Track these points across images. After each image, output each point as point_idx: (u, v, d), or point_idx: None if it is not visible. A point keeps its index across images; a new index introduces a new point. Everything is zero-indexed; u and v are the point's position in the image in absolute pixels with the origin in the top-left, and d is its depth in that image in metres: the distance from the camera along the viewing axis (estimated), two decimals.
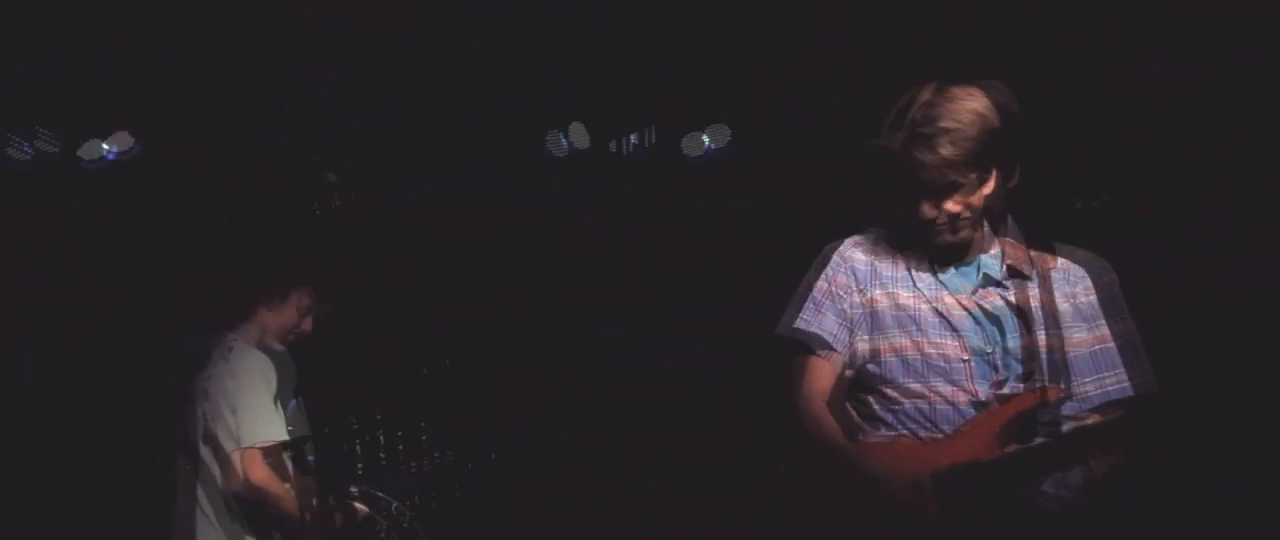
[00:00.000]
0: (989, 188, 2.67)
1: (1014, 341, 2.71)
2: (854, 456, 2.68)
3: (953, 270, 2.77)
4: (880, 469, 2.64)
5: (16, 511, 4.36)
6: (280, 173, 4.65)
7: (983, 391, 2.67)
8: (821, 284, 2.83)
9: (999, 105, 2.63)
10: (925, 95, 2.65)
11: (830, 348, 2.77)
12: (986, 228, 2.79)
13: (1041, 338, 2.70)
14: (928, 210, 2.67)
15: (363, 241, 4.73)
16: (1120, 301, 2.77)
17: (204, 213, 4.77)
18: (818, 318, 2.80)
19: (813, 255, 2.89)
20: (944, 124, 2.60)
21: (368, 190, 4.88)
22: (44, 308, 4.55)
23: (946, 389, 2.68)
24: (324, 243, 4.62)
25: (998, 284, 2.76)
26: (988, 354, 2.71)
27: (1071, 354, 2.70)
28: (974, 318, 2.72)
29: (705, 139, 5.12)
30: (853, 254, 2.84)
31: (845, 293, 2.80)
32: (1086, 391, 2.72)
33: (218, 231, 4.70)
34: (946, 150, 2.59)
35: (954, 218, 2.67)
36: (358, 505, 3.80)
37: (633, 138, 5.16)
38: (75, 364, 4.61)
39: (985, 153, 2.63)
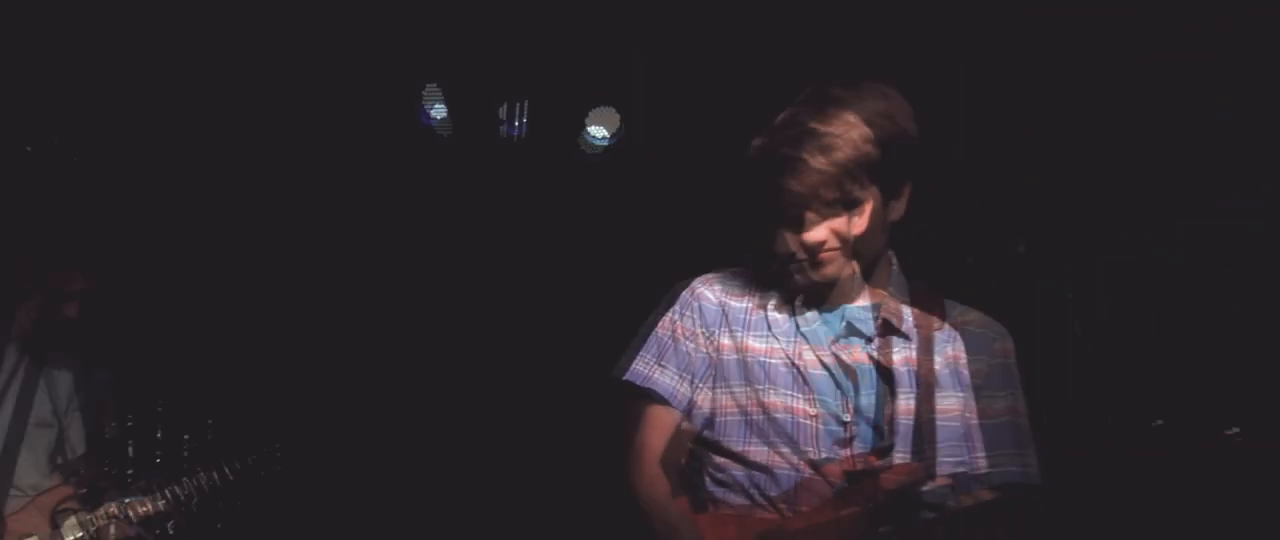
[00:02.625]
0: (863, 218, 2.22)
1: (868, 401, 2.28)
2: (688, 526, 2.25)
3: (815, 316, 2.35)
4: None
5: None
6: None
7: (826, 454, 2.24)
8: (666, 325, 2.41)
9: (885, 115, 2.18)
10: (826, 88, 2.21)
11: (665, 401, 2.35)
12: (858, 270, 2.34)
13: (905, 404, 2.27)
14: (788, 242, 2.25)
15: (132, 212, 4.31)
16: (1015, 375, 2.36)
17: None
18: (656, 365, 2.39)
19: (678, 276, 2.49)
20: (811, 141, 2.15)
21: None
22: None
23: (788, 451, 2.25)
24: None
25: (864, 337, 2.33)
26: (838, 415, 2.28)
27: (942, 424, 2.27)
28: (829, 372, 2.29)
29: (598, 128, 4.77)
30: (704, 293, 2.41)
31: (689, 337, 2.38)
32: (979, 467, 2.29)
33: None
34: (846, 154, 2.15)
35: (815, 250, 2.24)
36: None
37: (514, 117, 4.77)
38: None
39: (891, 167, 2.19)
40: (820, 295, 2.34)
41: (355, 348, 4.72)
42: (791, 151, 2.16)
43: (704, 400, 2.34)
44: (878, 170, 2.17)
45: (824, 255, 2.24)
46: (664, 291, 2.46)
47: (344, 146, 4.70)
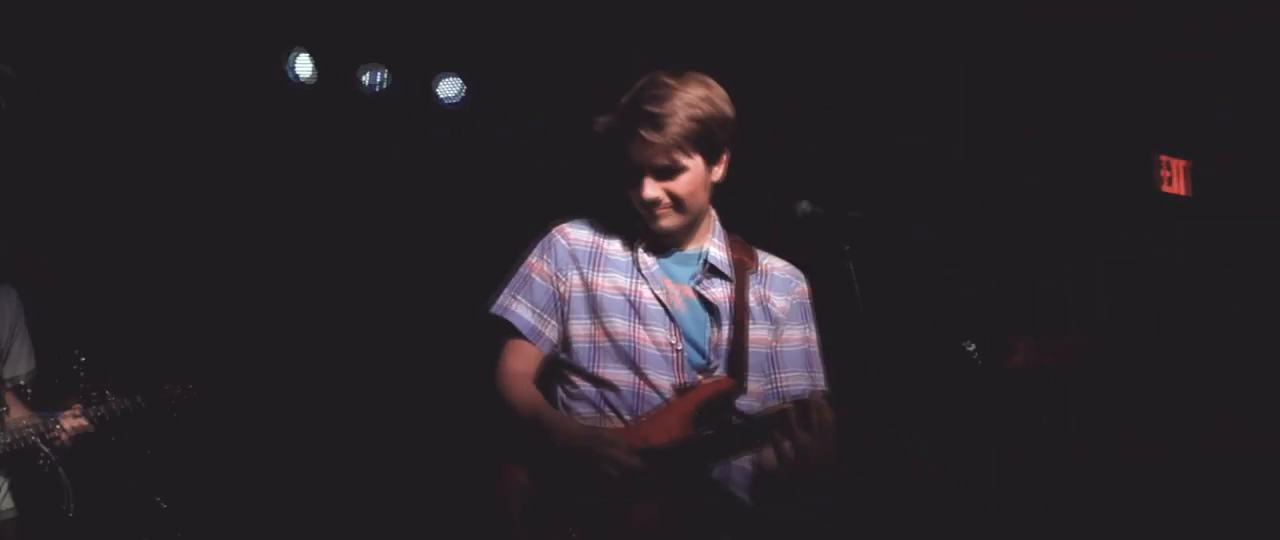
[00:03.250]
0: (687, 180, 2.76)
1: (695, 330, 2.81)
2: (546, 409, 2.77)
3: (653, 259, 2.86)
4: (572, 418, 2.75)
5: None
6: None
7: (687, 378, 2.77)
8: (537, 264, 2.89)
9: (705, 100, 2.72)
10: (657, 77, 2.74)
11: (529, 335, 2.85)
12: (713, 218, 2.90)
13: (724, 333, 2.81)
14: (650, 189, 2.75)
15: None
16: (810, 311, 2.92)
17: None
18: (525, 300, 2.87)
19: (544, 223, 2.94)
20: (646, 121, 2.68)
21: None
22: None
23: (656, 375, 2.77)
24: None
25: (691, 277, 2.85)
26: (698, 343, 2.81)
27: (753, 350, 2.81)
28: (663, 306, 2.81)
29: (448, 86, 5.10)
30: (576, 234, 2.90)
31: (544, 276, 2.86)
32: (780, 384, 2.86)
33: None
34: (675, 129, 2.69)
35: (678, 200, 2.76)
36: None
37: (375, 75, 5.06)
38: None
39: (711, 139, 2.74)
40: (658, 241, 2.86)
41: (229, 290, 4.98)
42: (631, 128, 2.70)
43: (557, 331, 2.85)
44: (699, 142, 2.72)
45: (658, 210, 2.76)
46: (533, 234, 2.94)
47: (212, 100, 4.93)
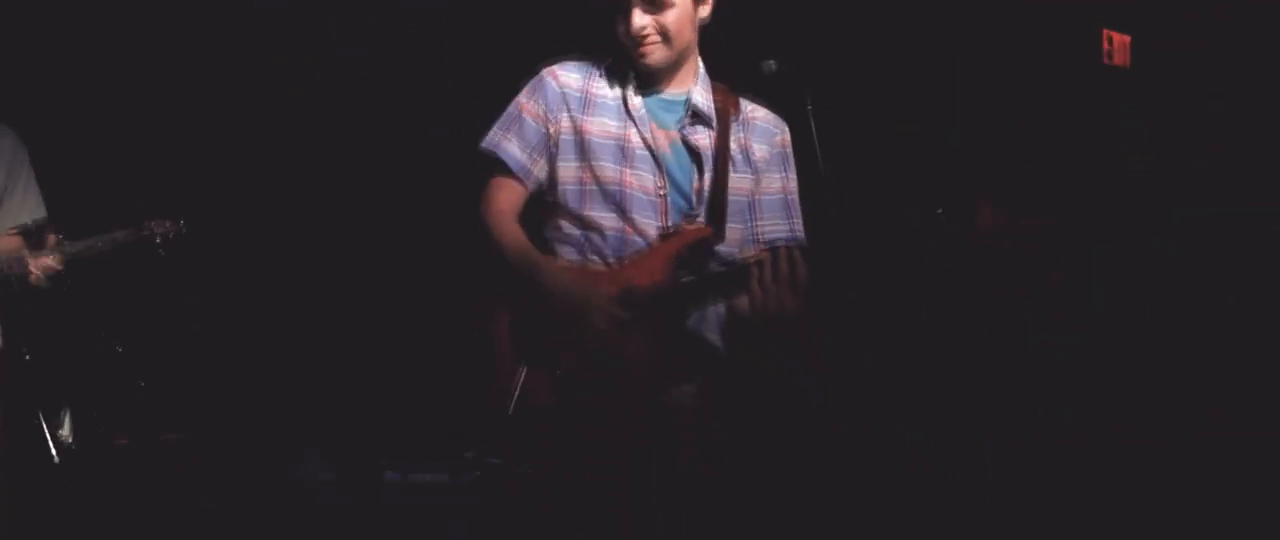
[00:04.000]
0: (702, 12, 2.85)
1: (679, 175, 2.90)
2: (533, 254, 2.84)
3: (640, 102, 2.92)
4: (559, 265, 2.83)
5: None
6: None
7: (672, 223, 2.87)
8: (527, 104, 2.93)
9: None
10: None
11: (518, 171, 2.90)
12: (699, 62, 2.95)
13: (707, 179, 2.89)
14: (639, 18, 2.81)
15: None
16: (790, 160, 3.01)
17: None
18: (514, 138, 2.91)
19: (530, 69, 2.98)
20: None
21: None
22: None
23: (641, 219, 2.85)
24: None
25: (704, 121, 2.93)
26: (683, 188, 2.89)
27: (732, 198, 2.90)
28: (650, 150, 2.88)
29: None
30: (565, 77, 2.93)
31: (534, 116, 2.91)
32: (759, 231, 2.97)
33: None
34: None
35: (666, 31, 2.82)
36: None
37: None
38: None
39: None
40: (645, 82, 2.93)
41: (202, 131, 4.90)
42: None
43: (545, 170, 2.91)
44: None
45: (646, 43, 2.82)
46: (516, 75, 2.99)
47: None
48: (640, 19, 2.79)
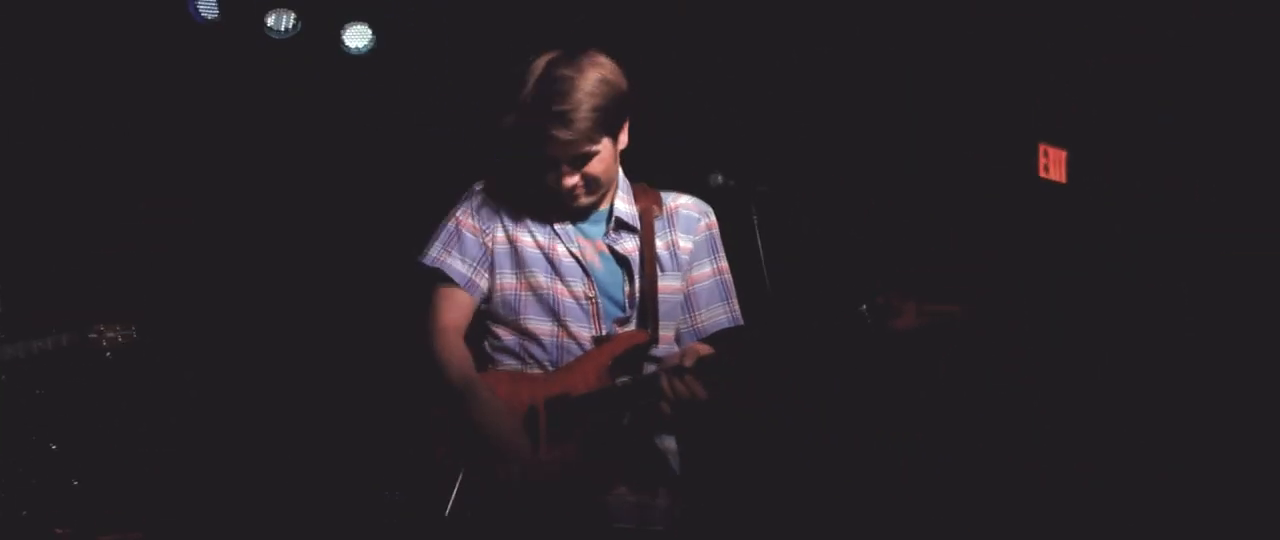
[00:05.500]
0: (601, 162, 2.88)
1: (609, 282, 2.97)
2: (474, 384, 2.88)
3: (587, 217, 3.00)
4: (497, 399, 2.86)
5: None
6: None
7: (604, 329, 2.94)
8: (464, 219, 3.01)
9: (602, 82, 2.83)
10: (553, 70, 2.83)
11: (459, 283, 2.96)
12: (618, 174, 3.02)
13: (636, 284, 2.97)
14: (568, 180, 2.88)
15: None
16: (718, 243, 3.10)
17: None
18: (455, 253, 2.99)
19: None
20: (578, 97, 2.79)
21: None
22: None
23: (575, 326, 2.94)
24: None
25: (628, 228, 3.01)
26: (613, 295, 2.97)
27: (664, 298, 2.97)
28: (578, 261, 2.96)
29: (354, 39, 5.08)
30: (497, 192, 3.03)
31: (472, 230, 2.99)
32: (698, 323, 3.06)
33: None
34: (583, 123, 2.80)
35: (594, 181, 2.90)
36: None
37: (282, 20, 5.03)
38: None
39: (615, 119, 2.87)
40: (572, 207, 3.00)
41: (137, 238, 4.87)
42: (539, 127, 2.81)
43: (484, 282, 2.98)
44: (605, 126, 2.85)
45: (576, 195, 2.91)
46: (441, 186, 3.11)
47: (115, 41, 4.89)
48: (570, 179, 2.87)
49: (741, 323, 3.07)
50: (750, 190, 2.87)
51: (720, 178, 2.89)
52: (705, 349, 2.82)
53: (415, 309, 3.01)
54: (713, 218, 3.09)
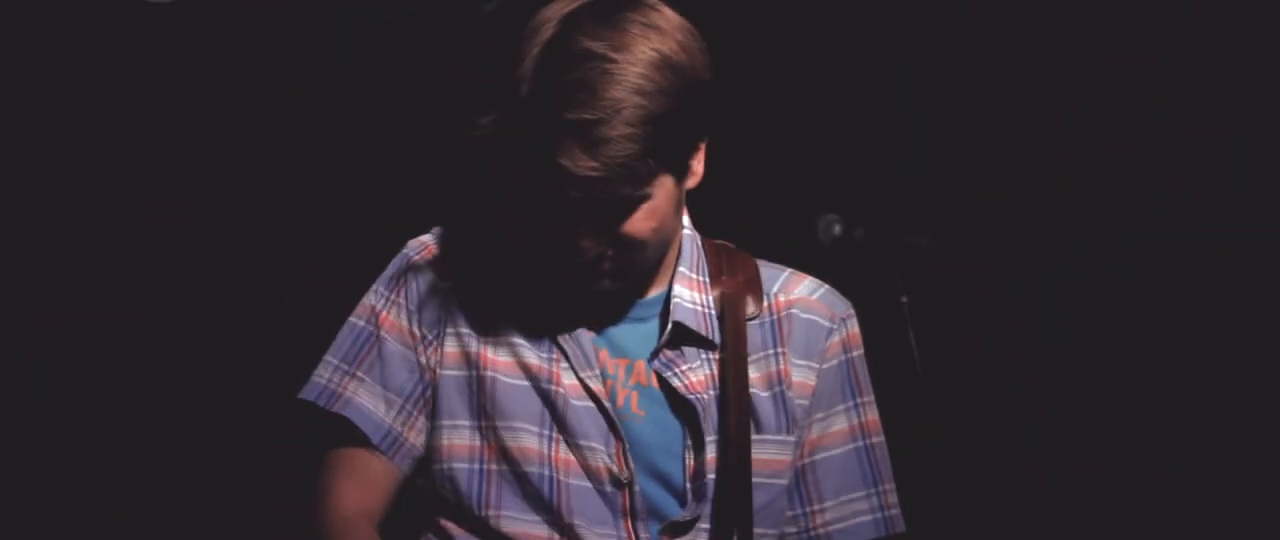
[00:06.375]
0: (650, 216, 1.53)
1: (704, 451, 1.61)
2: None
3: (619, 310, 1.65)
4: None
5: None
6: None
7: (595, 527, 1.58)
8: (387, 315, 1.64)
9: (664, 68, 1.47)
10: (574, 39, 1.46)
11: (381, 443, 1.60)
12: (682, 231, 1.69)
13: (708, 453, 1.61)
14: (589, 245, 1.52)
15: None
16: (859, 376, 1.72)
17: None
18: (369, 380, 1.62)
19: None
20: (617, 95, 1.43)
21: None
22: None
23: (540, 520, 1.57)
24: None
25: (696, 340, 1.65)
26: (664, 471, 1.61)
27: (761, 481, 1.63)
28: (598, 404, 1.60)
29: None
30: (449, 263, 1.66)
31: (424, 335, 1.63)
32: (819, 525, 1.69)
33: None
34: (625, 146, 1.44)
35: (636, 248, 1.55)
36: None
37: None
38: None
39: (683, 136, 1.53)
40: (591, 292, 1.62)
41: None
42: (542, 153, 1.45)
43: (419, 437, 1.62)
44: (664, 150, 1.49)
45: (600, 272, 1.55)
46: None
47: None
48: (591, 243, 1.52)
49: (898, 525, 1.70)
50: (895, 247, 1.66)
51: (837, 227, 1.65)
52: None
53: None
54: (852, 328, 1.71)
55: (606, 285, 1.57)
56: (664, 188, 1.52)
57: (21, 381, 3.89)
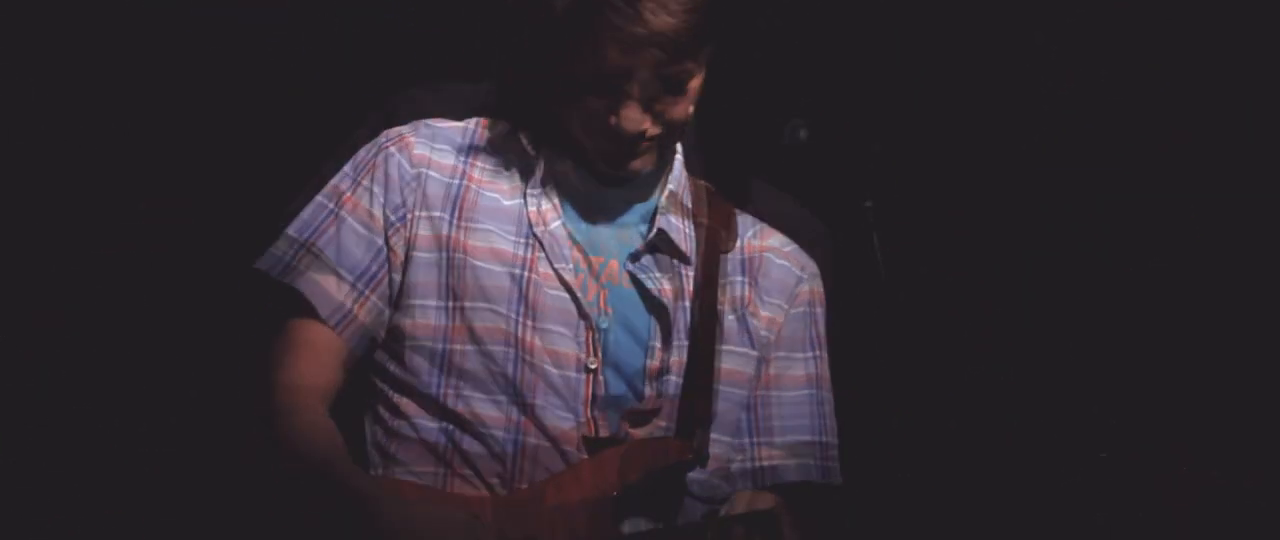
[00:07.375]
0: (690, 99, 1.65)
1: (625, 343, 1.68)
2: (369, 493, 1.54)
3: (602, 202, 1.71)
4: (424, 503, 1.57)
5: None
6: None
7: (607, 425, 1.64)
8: (351, 196, 1.68)
9: None
10: None
11: (331, 317, 1.64)
12: (675, 149, 1.77)
13: (676, 355, 1.68)
14: (635, 117, 1.59)
15: None
16: (820, 329, 1.80)
17: None
18: (327, 255, 1.66)
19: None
20: None
21: None
22: None
23: (503, 400, 1.62)
24: None
25: (673, 250, 1.72)
26: (628, 365, 1.66)
27: (723, 388, 1.70)
28: (572, 294, 1.65)
29: None
30: (428, 151, 1.70)
31: (394, 218, 1.67)
32: (764, 455, 1.76)
33: None
34: (692, 15, 1.55)
35: (672, 129, 1.64)
36: None
37: None
38: None
39: (703, 37, 1.61)
40: (577, 170, 1.70)
41: None
42: (619, 18, 1.51)
43: (377, 312, 1.65)
44: (713, 33, 1.59)
45: (636, 148, 1.62)
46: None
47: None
48: (637, 117, 1.58)
49: (836, 477, 1.77)
50: (858, 154, 1.67)
51: (803, 132, 1.66)
52: (769, 502, 1.61)
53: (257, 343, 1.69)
54: (818, 281, 1.81)
55: (635, 165, 1.64)
56: (700, 77, 1.61)
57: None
